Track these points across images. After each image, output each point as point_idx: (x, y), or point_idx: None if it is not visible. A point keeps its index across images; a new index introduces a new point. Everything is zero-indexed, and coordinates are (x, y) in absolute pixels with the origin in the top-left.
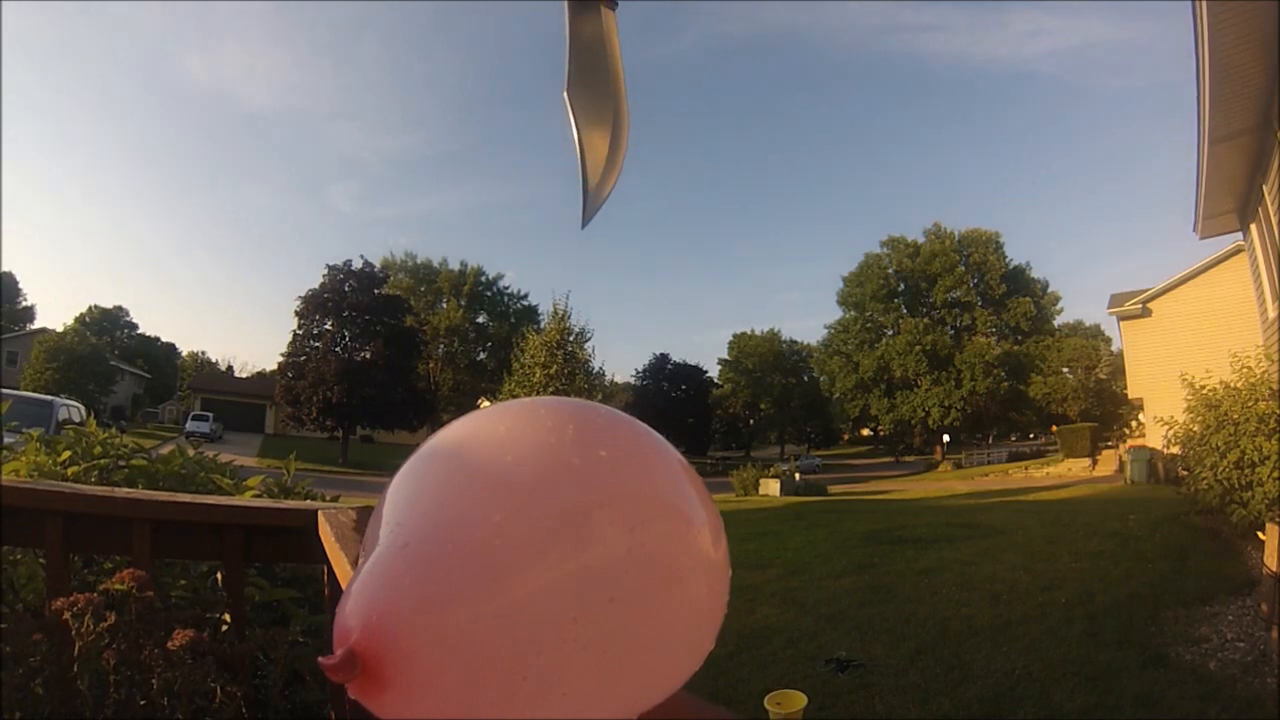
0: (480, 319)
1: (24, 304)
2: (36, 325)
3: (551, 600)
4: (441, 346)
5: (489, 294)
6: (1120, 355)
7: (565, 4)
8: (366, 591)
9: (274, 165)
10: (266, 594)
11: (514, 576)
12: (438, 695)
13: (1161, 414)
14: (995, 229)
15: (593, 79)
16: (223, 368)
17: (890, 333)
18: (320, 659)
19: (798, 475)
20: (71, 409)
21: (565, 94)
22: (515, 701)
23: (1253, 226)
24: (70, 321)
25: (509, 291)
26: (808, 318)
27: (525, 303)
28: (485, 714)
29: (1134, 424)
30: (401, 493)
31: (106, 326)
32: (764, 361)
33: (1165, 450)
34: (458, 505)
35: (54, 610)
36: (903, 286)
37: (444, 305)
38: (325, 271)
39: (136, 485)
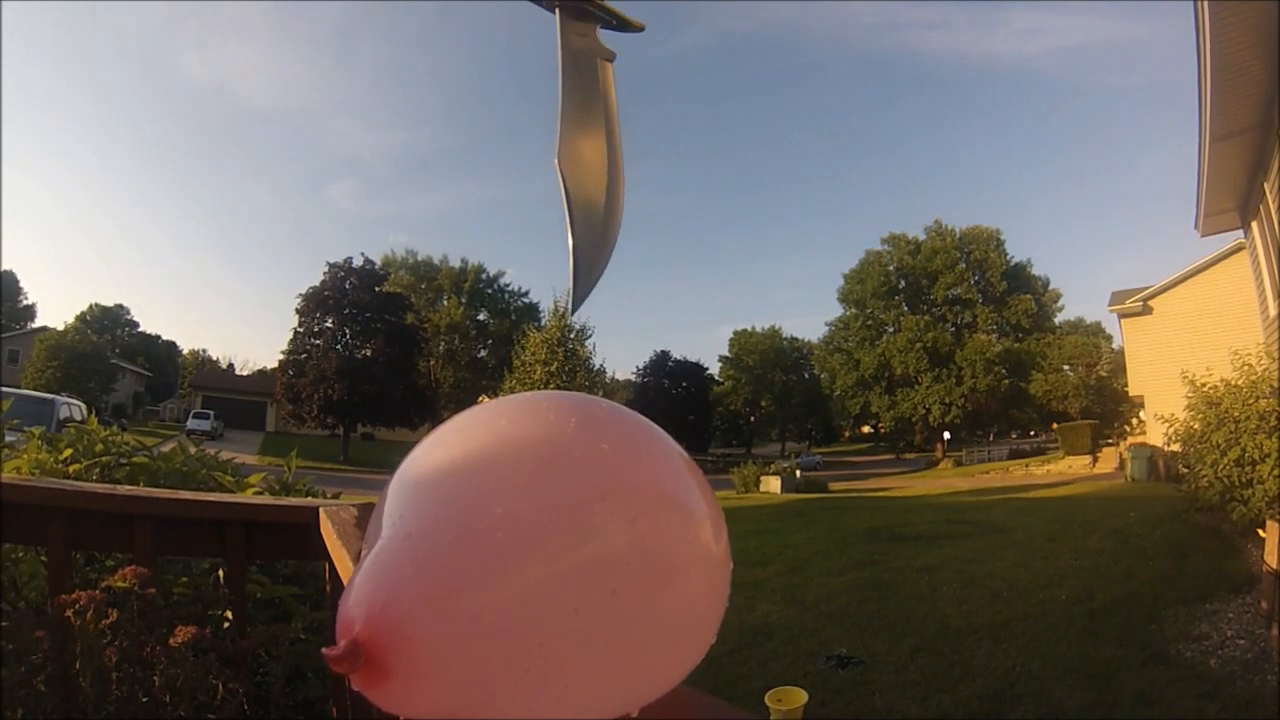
0: (481, 316)
1: (25, 302)
2: (37, 324)
3: (553, 592)
4: (442, 344)
5: (490, 291)
6: (1121, 353)
7: (560, 66)
8: (370, 582)
9: (274, 162)
10: (268, 591)
11: (516, 568)
12: (440, 686)
13: (1162, 411)
14: (996, 226)
15: (588, 143)
16: (223, 365)
17: (891, 330)
18: (324, 649)
19: (798, 472)
20: (73, 407)
21: (556, 161)
22: (517, 693)
23: (1254, 224)
24: (71, 320)
25: (510, 289)
26: (808, 315)
27: (526, 300)
28: (487, 706)
29: (1134, 421)
30: (405, 485)
31: (107, 325)
32: (765, 359)
33: (1166, 448)
34: (460, 497)
35: (56, 607)
36: (903, 284)
37: (445, 303)
38: (326, 269)
39: (138, 483)
